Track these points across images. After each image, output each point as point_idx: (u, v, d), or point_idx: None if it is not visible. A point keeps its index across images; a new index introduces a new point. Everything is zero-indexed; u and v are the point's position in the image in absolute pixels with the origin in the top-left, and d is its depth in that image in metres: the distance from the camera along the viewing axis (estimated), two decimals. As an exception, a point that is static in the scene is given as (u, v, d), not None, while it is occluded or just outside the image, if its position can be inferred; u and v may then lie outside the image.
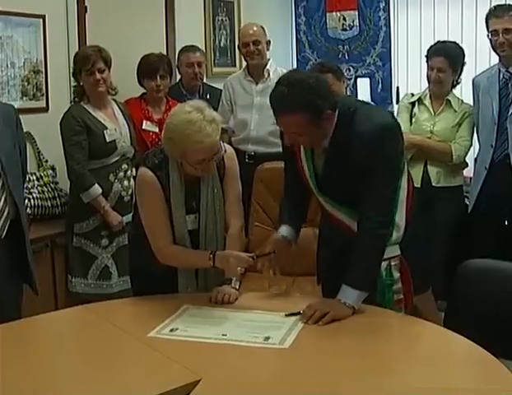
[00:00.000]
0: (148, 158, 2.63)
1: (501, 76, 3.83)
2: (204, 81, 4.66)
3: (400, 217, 2.50)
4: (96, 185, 3.58)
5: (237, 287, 2.62)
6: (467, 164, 4.16)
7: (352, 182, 2.44)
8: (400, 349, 2.16)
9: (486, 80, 3.90)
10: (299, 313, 2.36)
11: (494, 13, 3.80)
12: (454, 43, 4.10)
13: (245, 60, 4.55)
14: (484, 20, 3.87)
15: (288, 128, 2.45)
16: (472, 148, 4.12)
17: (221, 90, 4.61)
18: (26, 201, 3.76)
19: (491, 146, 3.83)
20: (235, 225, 2.71)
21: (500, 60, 3.87)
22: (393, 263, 2.53)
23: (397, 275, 2.53)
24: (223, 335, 2.21)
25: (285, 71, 4.49)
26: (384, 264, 2.51)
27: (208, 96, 4.49)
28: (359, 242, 2.43)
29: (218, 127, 2.48)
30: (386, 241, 2.46)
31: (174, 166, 2.58)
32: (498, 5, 3.89)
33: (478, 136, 4.01)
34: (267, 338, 2.17)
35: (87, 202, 3.59)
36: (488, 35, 3.83)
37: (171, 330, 2.26)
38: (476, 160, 4.04)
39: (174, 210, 2.59)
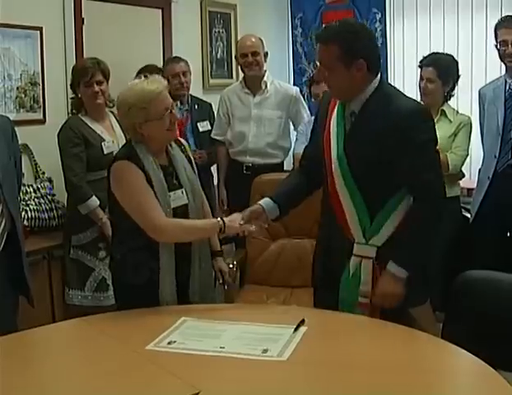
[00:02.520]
0: (117, 155, 2.71)
1: (507, 87, 3.85)
2: (200, 93, 4.68)
3: (388, 226, 2.54)
4: (94, 197, 3.58)
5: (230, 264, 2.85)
6: (463, 175, 4.16)
7: (375, 156, 2.48)
8: (398, 360, 2.15)
9: (492, 90, 3.92)
10: (302, 321, 2.36)
11: (503, 24, 3.81)
12: (448, 55, 4.11)
13: (242, 71, 4.56)
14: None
15: (321, 59, 2.55)
16: (474, 159, 4.12)
17: (209, 104, 4.65)
18: (23, 213, 3.76)
19: (495, 156, 3.85)
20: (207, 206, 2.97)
21: (506, 71, 3.88)
22: (363, 263, 2.57)
23: (367, 277, 2.56)
24: (221, 347, 2.19)
25: (282, 83, 4.61)
26: (354, 260, 2.58)
27: (196, 107, 4.52)
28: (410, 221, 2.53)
29: (162, 83, 2.67)
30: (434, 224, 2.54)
31: (144, 151, 2.64)
32: (508, 16, 3.88)
33: (483, 146, 4.01)
34: (265, 350, 2.16)
35: (85, 213, 3.59)
36: (496, 46, 3.84)
37: (169, 343, 2.24)
38: (480, 170, 4.03)
39: (158, 190, 2.62)
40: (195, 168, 2.87)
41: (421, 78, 3.99)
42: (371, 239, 2.56)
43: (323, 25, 2.70)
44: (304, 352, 2.17)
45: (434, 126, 2.59)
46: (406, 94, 2.67)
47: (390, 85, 2.77)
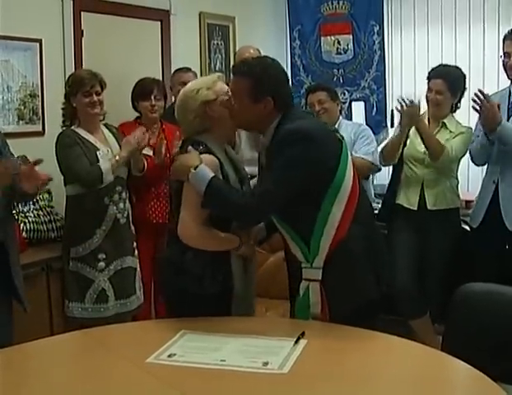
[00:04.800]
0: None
1: None
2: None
3: (325, 243, 2.53)
4: (99, 166, 3.53)
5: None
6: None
7: None
8: (398, 373, 2.15)
9: (498, 99, 3.92)
10: (302, 334, 2.35)
11: (510, 36, 3.83)
12: (457, 67, 4.12)
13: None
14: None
15: (231, 88, 2.65)
16: (472, 171, 4.07)
17: None
18: (22, 225, 3.76)
19: None
20: None
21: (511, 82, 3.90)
22: (311, 285, 2.58)
23: (315, 298, 2.57)
24: (221, 360, 2.19)
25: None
26: (304, 283, 2.59)
27: None
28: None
29: (217, 74, 2.84)
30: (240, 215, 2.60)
31: (212, 142, 2.67)
32: None
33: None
34: (265, 363, 2.16)
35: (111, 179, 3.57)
36: (501, 56, 3.86)
37: (169, 355, 2.24)
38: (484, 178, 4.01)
39: (231, 179, 2.67)
40: None
41: (430, 90, 4.00)
42: (314, 261, 2.56)
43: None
44: (305, 365, 2.17)
45: (308, 147, 2.49)
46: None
47: (298, 110, 2.86)
